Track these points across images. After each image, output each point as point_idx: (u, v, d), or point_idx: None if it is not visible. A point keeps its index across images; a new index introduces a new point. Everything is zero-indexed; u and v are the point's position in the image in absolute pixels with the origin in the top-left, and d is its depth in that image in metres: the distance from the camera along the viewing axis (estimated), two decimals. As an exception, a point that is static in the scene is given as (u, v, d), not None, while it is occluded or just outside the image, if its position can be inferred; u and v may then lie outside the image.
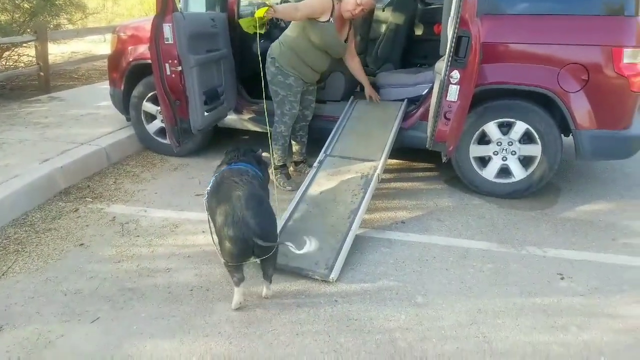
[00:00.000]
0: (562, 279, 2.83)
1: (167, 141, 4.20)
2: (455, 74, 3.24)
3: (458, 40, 3.15)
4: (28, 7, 7.81)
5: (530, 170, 3.72)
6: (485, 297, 2.65)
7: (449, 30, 3.16)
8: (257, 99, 4.47)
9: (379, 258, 3.01)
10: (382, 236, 3.27)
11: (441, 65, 3.31)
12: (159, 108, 4.21)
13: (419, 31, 6.03)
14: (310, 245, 2.43)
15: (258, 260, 2.40)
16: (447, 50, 3.16)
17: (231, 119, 4.57)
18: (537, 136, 3.62)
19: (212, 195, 2.57)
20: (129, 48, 4.50)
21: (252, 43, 4.81)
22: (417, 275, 2.83)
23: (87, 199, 3.72)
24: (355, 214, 3.12)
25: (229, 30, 4.31)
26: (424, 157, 4.56)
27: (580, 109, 3.46)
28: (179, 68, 3.63)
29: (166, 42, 3.58)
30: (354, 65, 3.99)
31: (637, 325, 2.45)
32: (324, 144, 3.86)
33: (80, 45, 11.13)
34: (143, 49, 4.33)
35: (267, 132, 3.61)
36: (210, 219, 2.62)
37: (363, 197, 3.24)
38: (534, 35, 3.50)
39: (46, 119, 5.27)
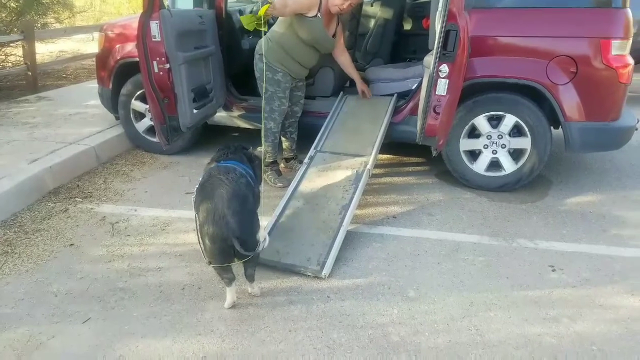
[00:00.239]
0: (554, 270, 2.85)
1: (156, 139, 4.17)
2: (444, 68, 3.24)
3: (446, 34, 3.16)
4: (15, 6, 7.74)
5: (521, 163, 3.73)
6: (477, 290, 2.66)
7: (437, 24, 3.17)
8: (246, 95, 4.46)
9: (371, 253, 3.01)
10: (374, 231, 3.27)
11: (430, 59, 3.31)
12: (147, 106, 4.18)
13: (407, 25, 6.04)
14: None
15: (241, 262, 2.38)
16: (436, 45, 3.16)
17: (220, 116, 4.54)
18: (526, 129, 3.64)
19: (198, 193, 2.54)
20: (117, 46, 4.46)
21: (240, 40, 4.82)
22: (409, 270, 2.84)
23: (76, 198, 3.69)
24: (347, 210, 3.12)
25: (217, 27, 4.28)
26: (414, 152, 4.56)
27: (569, 101, 3.48)
28: (167, 66, 3.61)
29: (153, 40, 3.55)
30: (344, 60, 3.98)
31: (628, 316, 2.47)
32: (314, 140, 3.85)
33: (68, 44, 11.03)
34: (131, 47, 4.30)
35: (256, 129, 3.59)
36: (196, 217, 2.60)
37: (354, 193, 3.24)
38: (522, 28, 3.50)
39: (34, 118, 5.22)
